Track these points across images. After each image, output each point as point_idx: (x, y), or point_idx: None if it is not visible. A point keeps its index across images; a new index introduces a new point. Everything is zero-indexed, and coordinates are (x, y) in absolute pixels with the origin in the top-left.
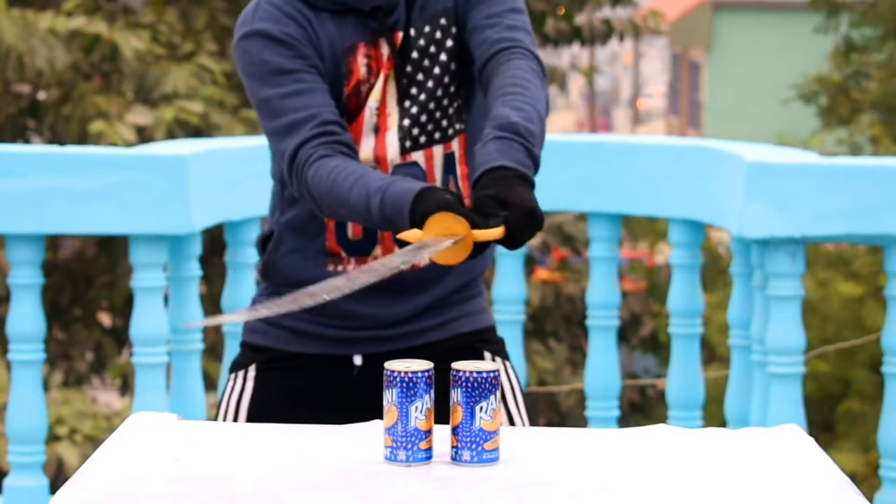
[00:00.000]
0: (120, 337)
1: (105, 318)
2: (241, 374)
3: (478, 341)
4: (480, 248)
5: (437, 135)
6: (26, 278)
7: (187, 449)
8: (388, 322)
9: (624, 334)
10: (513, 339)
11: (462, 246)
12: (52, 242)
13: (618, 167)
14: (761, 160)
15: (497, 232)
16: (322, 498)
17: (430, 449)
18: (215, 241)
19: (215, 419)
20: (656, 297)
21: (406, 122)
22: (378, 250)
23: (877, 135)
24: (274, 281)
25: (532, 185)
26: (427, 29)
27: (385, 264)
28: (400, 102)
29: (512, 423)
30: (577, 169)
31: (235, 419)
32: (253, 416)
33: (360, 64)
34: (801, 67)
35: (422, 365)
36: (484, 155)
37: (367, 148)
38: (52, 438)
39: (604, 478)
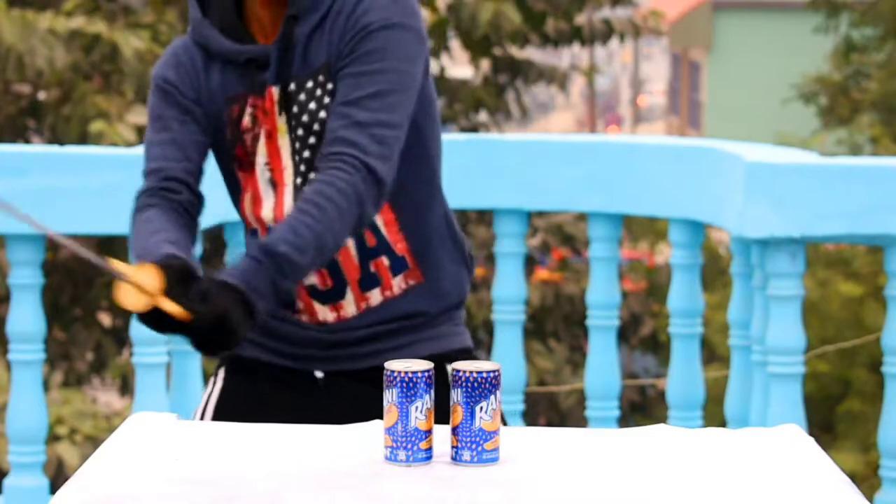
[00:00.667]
0: (120, 337)
1: (105, 318)
2: (213, 376)
3: (443, 360)
4: (160, 321)
5: None
6: (26, 278)
7: (187, 449)
8: (335, 344)
9: (624, 334)
10: (513, 339)
11: (143, 298)
12: (52, 242)
13: (618, 167)
14: (761, 160)
15: (179, 311)
16: (322, 498)
17: (430, 449)
18: (215, 241)
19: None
20: (656, 297)
21: (298, 179)
22: (300, 304)
23: (877, 135)
24: None
25: (251, 311)
26: (309, 84)
27: (76, 247)
28: (293, 157)
29: None
30: (577, 169)
31: (202, 418)
32: (217, 418)
33: (246, 114)
34: (801, 67)
35: (422, 365)
36: (233, 266)
37: (267, 207)
38: (52, 438)
39: (604, 478)
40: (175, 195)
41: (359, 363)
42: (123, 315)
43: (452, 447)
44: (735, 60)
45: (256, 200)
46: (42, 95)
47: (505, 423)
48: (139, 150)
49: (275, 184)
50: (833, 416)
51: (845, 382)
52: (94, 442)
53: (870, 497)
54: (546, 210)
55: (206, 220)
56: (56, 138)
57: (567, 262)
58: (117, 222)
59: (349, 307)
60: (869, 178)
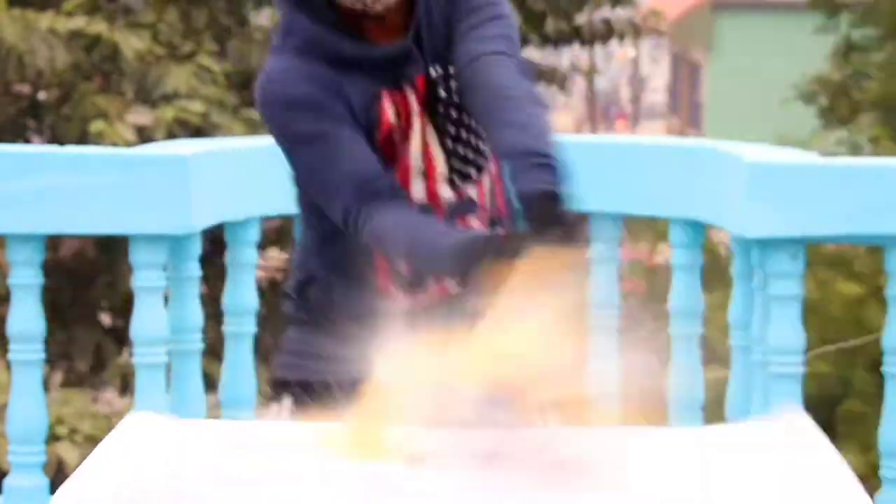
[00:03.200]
0: (120, 337)
1: (105, 318)
2: (272, 402)
3: None
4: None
5: (481, 162)
6: (26, 278)
7: (187, 449)
8: None
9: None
10: None
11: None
12: (52, 242)
13: (618, 167)
14: (761, 160)
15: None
16: (322, 498)
17: None
18: (215, 241)
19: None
20: (656, 297)
21: (453, 161)
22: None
23: (877, 135)
24: (330, 318)
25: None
26: (441, 68)
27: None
28: (442, 143)
29: None
30: (577, 169)
31: None
32: None
33: (388, 111)
34: (801, 67)
35: None
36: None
37: (418, 192)
38: (52, 438)
39: (605, 478)
40: (380, 188)
41: None
42: (123, 315)
43: None
44: (735, 60)
45: (404, 185)
46: (42, 95)
47: None
48: (139, 150)
49: (425, 172)
50: (833, 416)
51: (845, 382)
52: (94, 442)
53: (870, 497)
54: None
55: (206, 220)
56: (56, 138)
57: None
58: (117, 222)
59: None
60: (869, 178)
